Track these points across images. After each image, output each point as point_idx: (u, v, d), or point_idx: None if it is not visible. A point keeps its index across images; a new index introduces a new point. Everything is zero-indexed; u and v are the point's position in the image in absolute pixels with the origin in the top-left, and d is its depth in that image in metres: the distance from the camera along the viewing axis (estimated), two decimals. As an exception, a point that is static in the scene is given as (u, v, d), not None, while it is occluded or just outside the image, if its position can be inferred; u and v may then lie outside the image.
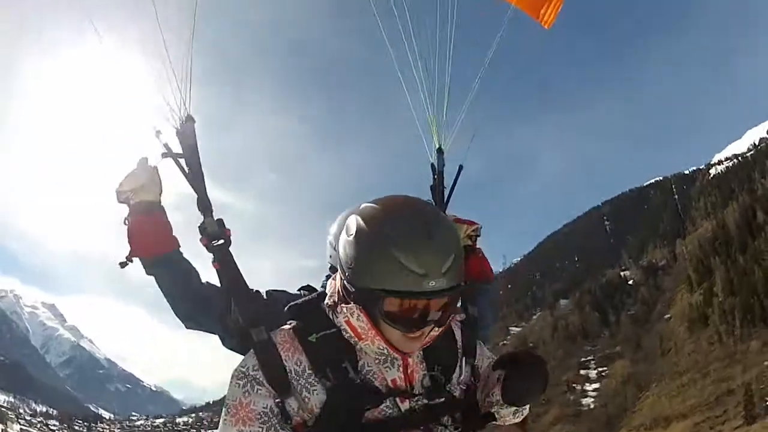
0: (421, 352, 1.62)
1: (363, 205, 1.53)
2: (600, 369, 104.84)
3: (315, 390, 1.50)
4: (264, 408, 1.46)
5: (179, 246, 1.98)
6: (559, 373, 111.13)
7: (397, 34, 2.26)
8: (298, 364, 1.51)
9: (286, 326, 1.59)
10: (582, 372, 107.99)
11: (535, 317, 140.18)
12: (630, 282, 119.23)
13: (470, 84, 2.34)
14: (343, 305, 1.53)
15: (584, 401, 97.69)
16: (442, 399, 1.62)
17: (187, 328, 2.00)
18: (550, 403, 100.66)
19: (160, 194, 1.98)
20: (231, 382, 1.50)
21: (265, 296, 2.05)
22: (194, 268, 1.99)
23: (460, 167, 2.27)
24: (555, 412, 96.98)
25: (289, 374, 1.50)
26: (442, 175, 2.22)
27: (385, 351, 1.52)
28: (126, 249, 1.92)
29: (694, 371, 71.33)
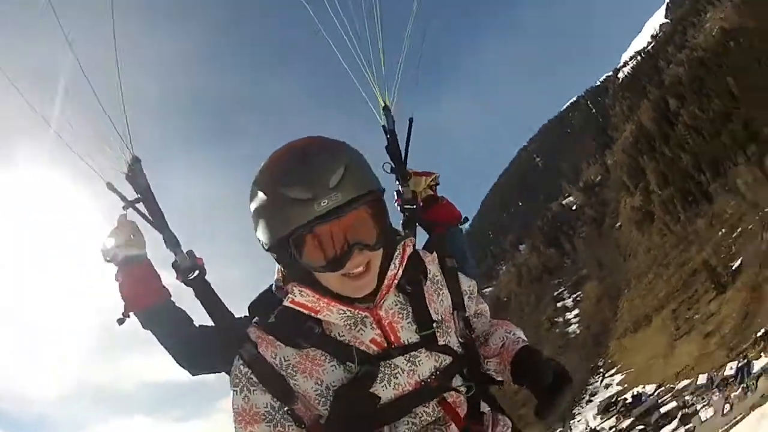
0: (399, 300, 1.52)
1: None
2: (574, 295, 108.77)
3: (296, 377, 1.45)
4: (266, 407, 1.43)
5: (170, 295, 1.96)
6: (538, 314, 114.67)
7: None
8: (274, 356, 1.46)
9: (251, 326, 1.52)
10: (559, 305, 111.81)
11: (502, 272, 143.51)
12: (574, 207, 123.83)
13: (403, 29, 2.18)
14: (285, 287, 1.45)
15: (570, 330, 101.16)
16: (444, 351, 1.53)
17: (193, 375, 1.98)
18: (540, 344, 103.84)
19: (144, 246, 1.96)
20: (231, 388, 1.47)
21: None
22: (187, 314, 1.96)
23: (410, 120, 2.19)
24: (548, 350, 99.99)
25: (279, 371, 1.45)
26: (393, 133, 2.15)
27: (348, 312, 1.43)
28: (120, 306, 1.91)
29: (655, 266, 74.82)
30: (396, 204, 1.99)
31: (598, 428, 66.04)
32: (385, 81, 2.14)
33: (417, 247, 1.66)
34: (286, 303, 1.42)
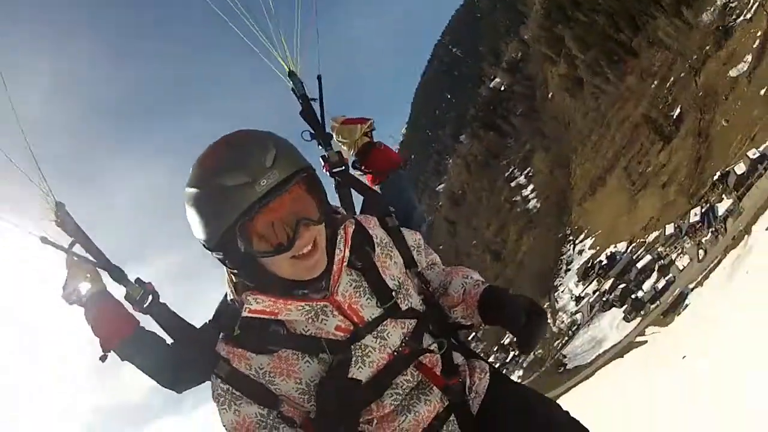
0: (353, 279, 1.52)
1: None
2: (525, 172, 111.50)
3: (275, 381, 1.46)
4: (256, 416, 1.45)
5: (139, 323, 1.94)
6: (496, 199, 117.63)
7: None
8: (249, 368, 1.47)
9: (219, 342, 1.52)
10: (513, 185, 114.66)
11: (450, 166, 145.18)
12: (502, 88, 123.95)
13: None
14: (239, 298, 1.46)
15: (530, 206, 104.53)
16: (408, 315, 1.55)
17: (178, 393, 1.96)
18: (506, 226, 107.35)
19: (102, 280, 1.95)
20: (218, 408, 1.49)
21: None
22: (159, 337, 1.93)
23: (319, 78, 2.13)
24: (514, 231, 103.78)
25: (258, 380, 1.46)
26: (305, 97, 2.09)
27: (306, 306, 1.43)
28: (97, 344, 1.92)
29: (596, 128, 76.67)
30: (324, 170, 1.95)
31: (582, 295, 70.09)
32: (285, 45, 2.07)
33: (357, 216, 1.68)
34: (244, 314, 1.42)
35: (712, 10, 55.83)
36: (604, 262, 67.59)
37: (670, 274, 49.71)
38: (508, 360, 75.57)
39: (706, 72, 51.88)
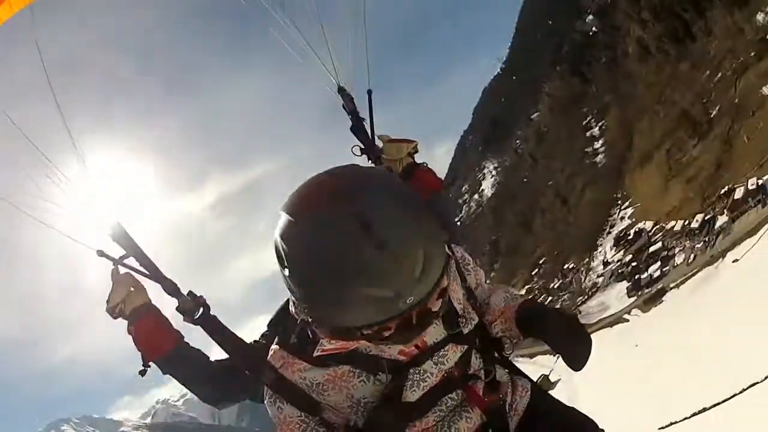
0: None
1: (281, 218, 1.27)
2: (600, 124, 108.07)
3: (327, 392, 1.52)
4: (299, 416, 1.53)
5: (183, 337, 2.09)
6: (572, 145, 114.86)
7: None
8: (302, 378, 1.52)
9: (274, 347, 1.57)
10: (588, 134, 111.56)
11: (544, 97, 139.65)
12: (591, 32, 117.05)
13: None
14: (315, 332, 1.44)
15: (597, 160, 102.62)
16: (467, 340, 1.60)
17: (219, 408, 2.13)
18: (574, 176, 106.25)
19: (147, 294, 2.09)
20: (268, 407, 1.59)
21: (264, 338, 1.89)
22: (202, 352, 2.08)
23: (369, 92, 2.18)
24: (580, 181, 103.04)
25: (306, 390, 1.52)
26: (355, 113, 2.16)
27: None
28: (139, 359, 2.03)
29: (653, 104, 73.98)
30: None
31: (609, 260, 72.19)
32: (337, 61, 2.12)
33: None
34: (316, 354, 1.47)
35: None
36: (631, 236, 69.17)
37: (667, 267, 51.61)
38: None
39: (745, 80, 49.18)
